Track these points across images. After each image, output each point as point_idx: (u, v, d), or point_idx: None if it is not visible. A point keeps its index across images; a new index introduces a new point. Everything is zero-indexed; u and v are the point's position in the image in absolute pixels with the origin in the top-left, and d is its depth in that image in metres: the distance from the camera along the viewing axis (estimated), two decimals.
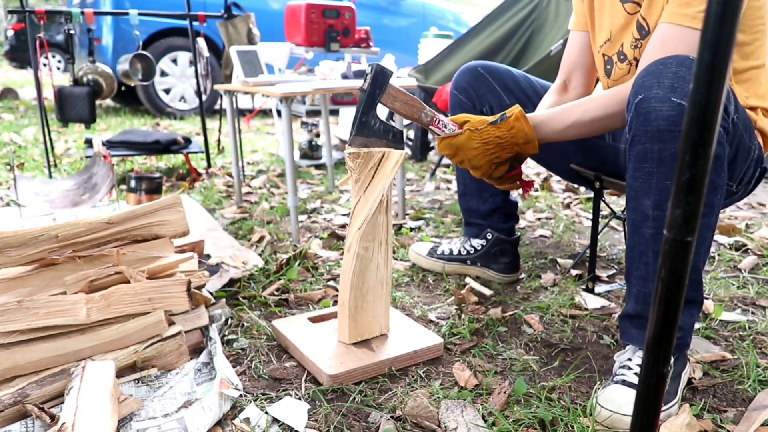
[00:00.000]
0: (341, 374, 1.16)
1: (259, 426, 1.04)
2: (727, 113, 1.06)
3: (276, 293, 1.60)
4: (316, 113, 3.48)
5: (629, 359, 1.14)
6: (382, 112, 3.65)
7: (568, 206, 2.58)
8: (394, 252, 1.94)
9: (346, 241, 1.25)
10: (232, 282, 1.63)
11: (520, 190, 1.41)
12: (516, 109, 1.25)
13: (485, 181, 1.34)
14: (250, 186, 2.85)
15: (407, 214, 2.38)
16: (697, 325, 1.43)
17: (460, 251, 1.75)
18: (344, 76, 2.61)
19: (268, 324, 1.42)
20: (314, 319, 1.40)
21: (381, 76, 1.19)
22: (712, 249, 1.97)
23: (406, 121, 3.78)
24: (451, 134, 1.26)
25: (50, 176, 2.73)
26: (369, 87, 1.19)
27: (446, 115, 1.39)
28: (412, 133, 3.60)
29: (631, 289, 1.16)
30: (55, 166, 3.06)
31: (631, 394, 1.05)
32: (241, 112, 5.38)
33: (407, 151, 1.28)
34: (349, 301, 1.25)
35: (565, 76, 1.52)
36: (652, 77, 1.03)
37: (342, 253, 1.91)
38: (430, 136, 3.56)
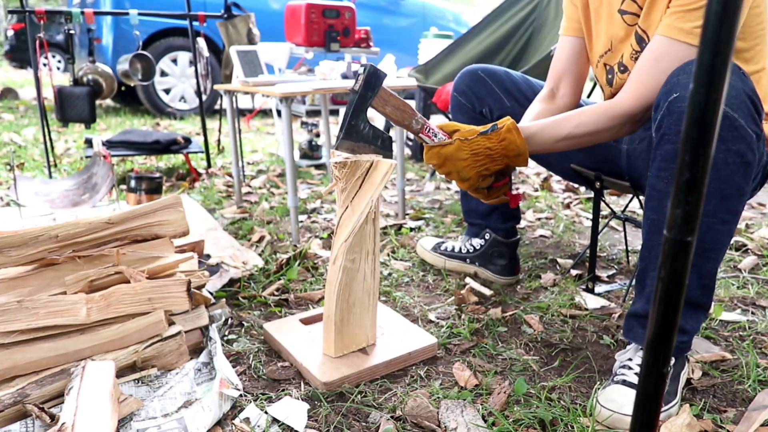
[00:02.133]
0: (335, 381, 1.15)
1: (259, 426, 1.04)
2: (759, 116, 1.03)
3: (276, 293, 1.60)
4: (316, 113, 3.48)
5: (630, 359, 1.14)
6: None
7: (568, 206, 2.58)
8: (393, 252, 1.94)
9: (332, 252, 1.19)
10: (232, 282, 1.63)
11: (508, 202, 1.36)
12: (507, 120, 1.21)
13: (471, 195, 1.29)
14: (250, 186, 2.85)
15: (407, 214, 2.38)
16: None
17: (461, 249, 1.76)
18: (344, 76, 2.61)
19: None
20: (306, 321, 1.38)
21: (374, 78, 1.13)
22: None
23: None
24: (440, 144, 1.21)
25: (50, 176, 2.73)
26: (361, 89, 1.13)
27: (448, 116, 1.37)
28: (411, 134, 3.60)
29: (644, 289, 1.15)
30: (55, 166, 3.06)
31: (632, 394, 1.05)
32: (241, 112, 5.38)
33: (395, 162, 1.22)
34: (335, 314, 1.19)
35: (553, 84, 1.48)
36: (689, 76, 1.00)
37: None
38: None
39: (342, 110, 4.12)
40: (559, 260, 1.88)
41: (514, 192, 1.35)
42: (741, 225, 2.25)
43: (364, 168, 1.14)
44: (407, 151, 3.73)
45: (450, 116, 1.71)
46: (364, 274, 1.21)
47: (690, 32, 1.10)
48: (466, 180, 1.23)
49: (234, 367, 1.23)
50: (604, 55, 1.37)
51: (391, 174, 1.14)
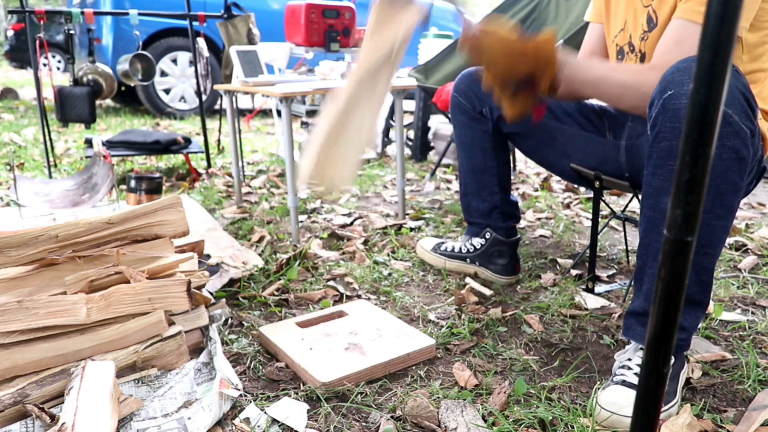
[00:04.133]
0: (334, 381, 1.15)
1: (259, 426, 1.04)
2: (753, 112, 1.04)
3: (276, 293, 1.60)
4: (316, 113, 3.48)
5: (629, 359, 1.14)
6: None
7: (568, 206, 2.57)
8: (393, 252, 1.94)
9: (346, 83, 1.17)
10: (232, 282, 1.63)
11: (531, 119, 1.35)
12: (550, 32, 1.21)
13: (497, 91, 1.28)
14: (250, 186, 2.85)
15: (407, 214, 2.38)
16: None
17: (461, 249, 1.76)
18: (344, 76, 2.61)
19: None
20: (302, 324, 1.38)
21: None
22: None
23: (406, 122, 3.77)
24: (479, 30, 1.21)
25: (50, 176, 2.73)
26: None
27: (447, 116, 1.37)
28: (412, 133, 3.60)
29: (641, 287, 1.15)
30: (55, 166, 3.06)
31: (632, 394, 1.05)
32: (241, 112, 5.38)
33: (429, 4, 1.26)
34: (326, 134, 1.14)
35: None
36: (684, 74, 1.01)
37: (342, 253, 1.91)
38: (429, 136, 3.55)
39: None
40: (559, 260, 1.88)
41: (539, 105, 1.34)
42: (741, 225, 2.25)
43: (398, 6, 1.17)
44: (407, 151, 3.73)
45: (450, 116, 1.71)
46: (361, 122, 1.17)
47: None
48: (494, 71, 1.24)
49: (234, 367, 1.23)
50: (618, 35, 1.38)
51: (420, 17, 1.16)
